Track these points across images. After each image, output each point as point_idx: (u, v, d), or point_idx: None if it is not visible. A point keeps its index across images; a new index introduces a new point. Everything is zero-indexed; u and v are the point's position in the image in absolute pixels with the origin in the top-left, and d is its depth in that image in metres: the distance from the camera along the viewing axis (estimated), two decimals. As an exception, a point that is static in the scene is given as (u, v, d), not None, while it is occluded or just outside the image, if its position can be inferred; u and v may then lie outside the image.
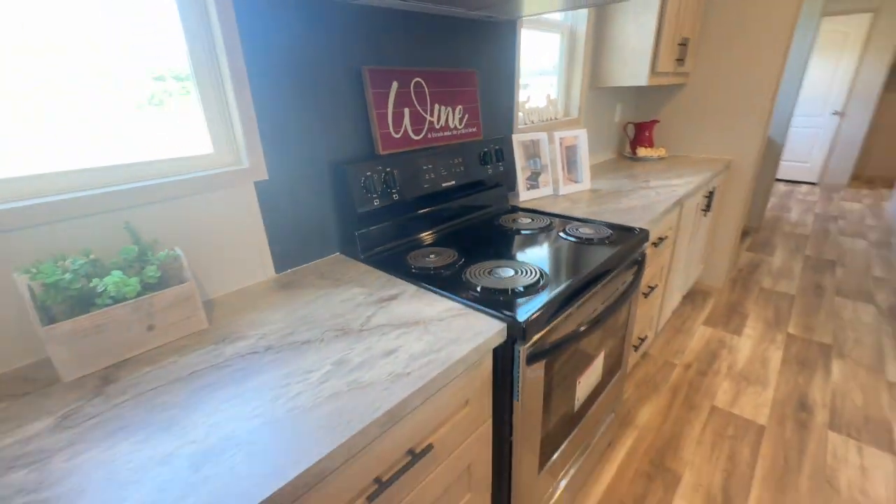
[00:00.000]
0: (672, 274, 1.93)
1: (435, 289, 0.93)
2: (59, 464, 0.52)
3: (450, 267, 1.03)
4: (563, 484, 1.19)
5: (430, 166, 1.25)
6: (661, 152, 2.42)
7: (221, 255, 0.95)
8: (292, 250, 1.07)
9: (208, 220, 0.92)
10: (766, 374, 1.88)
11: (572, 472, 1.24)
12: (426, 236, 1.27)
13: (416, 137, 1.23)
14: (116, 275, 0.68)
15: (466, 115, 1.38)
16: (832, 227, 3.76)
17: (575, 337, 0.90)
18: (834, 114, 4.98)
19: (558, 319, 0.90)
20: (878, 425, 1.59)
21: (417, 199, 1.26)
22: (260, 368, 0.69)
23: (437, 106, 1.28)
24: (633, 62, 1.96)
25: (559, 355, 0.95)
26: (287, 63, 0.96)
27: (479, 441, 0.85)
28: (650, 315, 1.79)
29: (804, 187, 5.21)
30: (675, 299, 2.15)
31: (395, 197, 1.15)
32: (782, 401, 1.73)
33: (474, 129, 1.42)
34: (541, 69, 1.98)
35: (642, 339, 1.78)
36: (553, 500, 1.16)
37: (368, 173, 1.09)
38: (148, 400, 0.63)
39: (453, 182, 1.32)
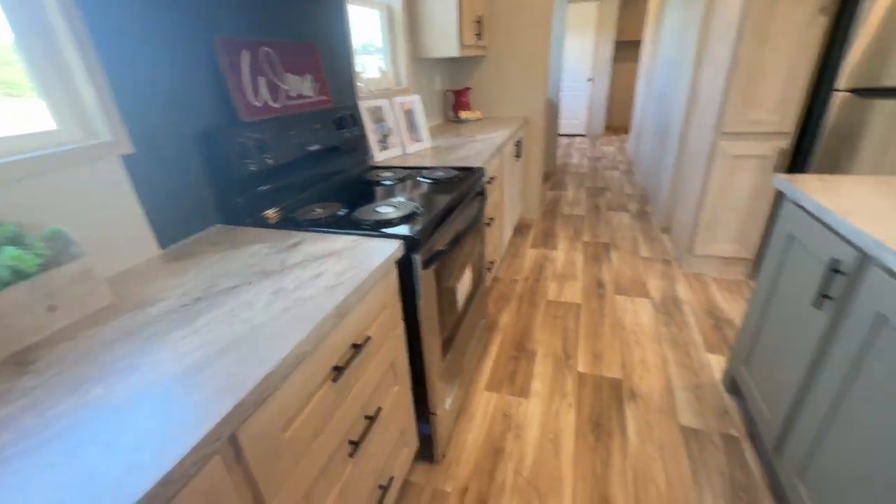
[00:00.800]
0: (504, 208, 2.42)
1: (333, 230, 1.08)
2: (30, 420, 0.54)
3: (337, 215, 1.18)
4: (457, 382, 1.50)
5: (294, 131, 1.34)
6: (478, 114, 2.89)
7: (98, 236, 0.90)
8: (174, 224, 1.06)
9: (75, 202, 0.86)
10: (575, 271, 2.56)
11: (462, 373, 1.56)
12: (305, 195, 1.37)
13: (275, 105, 1.30)
14: (10, 251, 0.64)
15: (317, 84, 1.48)
16: (598, 164, 5.02)
17: (451, 246, 1.18)
18: (588, 80, 6.48)
19: (437, 235, 1.16)
20: (639, 284, 2.38)
21: (292, 163, 1.34)
22: (199, 312, 0.75)
23: (288, 75, 1.35)
24: (443, 36, 2.30)
25: (442, 263, 1.22)
26: (142, 27, 0.93)
27: (397, 340, 1.07)
28: (494, 243, 2.24)
29: (578, 139, 6.70)
30: (508, 231, 2.68)
31: (270, 161, 1.22)
32: (588, 285, 2.40)
33: (325, 98, 1.54)
34: (370, 43, 2.16)
35: (492, 263, 2.22)
36: (451, 396, 1.46)
37: (240, 140, 1.13)
38: (94, 358, 0.65)
39: (318, 146, 1.44)
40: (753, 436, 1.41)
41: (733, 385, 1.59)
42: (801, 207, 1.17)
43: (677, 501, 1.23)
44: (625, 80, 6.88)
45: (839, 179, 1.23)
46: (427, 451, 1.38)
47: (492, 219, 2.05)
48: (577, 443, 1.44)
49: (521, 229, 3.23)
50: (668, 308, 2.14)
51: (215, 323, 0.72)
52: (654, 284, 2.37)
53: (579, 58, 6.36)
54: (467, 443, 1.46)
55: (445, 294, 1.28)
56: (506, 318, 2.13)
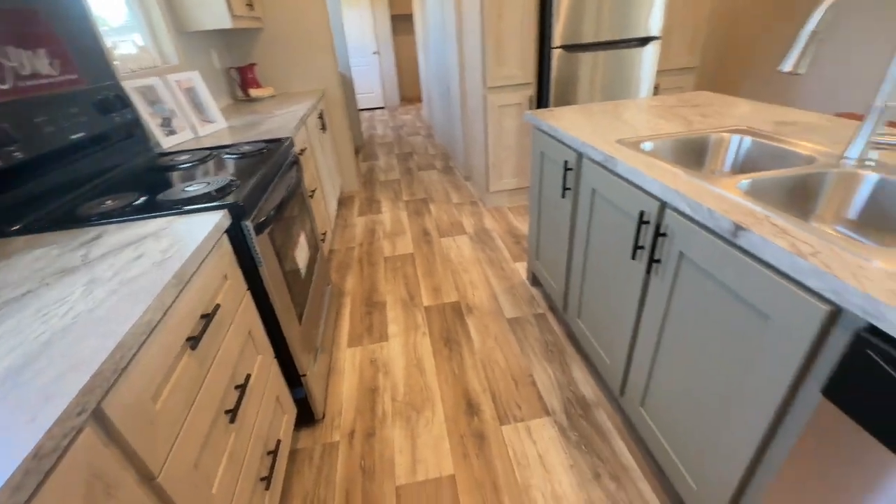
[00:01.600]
0: (323, 181, 2.45)
1: (139, 216, 0.98)
2: None
3: (135, 203, 1.07)
4: (319, 347, 1.56)
5: (43, 118, 1.11)
6: (270, 91, 2.77)
7: None
8: None
9: None
10: (403, 227, 2.80)
11: (321, 338, 1.62)
12: (87, 190, 1.17)
13: (4, 87, 1.05)
14: None
15: (57, 61, 1.23)
16: (401, 132, 5.37)
17: (279, 212, 1.20)
18: (374, 53, 6.69)
19: (262, 203, 1.17)
20: (457, 225, 2.77)
21: (53, 156, 1.11)
22: (-9, 325, 0.64)
23: (12, 48, 1.09)
24: (210, 5, 2.10)
25: (275, 229, 1.23)
26: None
27: (248, 309, 1.07)
28: (322, 215, 2.27)
29: (378, 111, 6.95)
30: (333, 204, 2.73)
31: (19, 155, 1.00)
32: (416, 236, 2.67)
33: (74, 77, 1.29)
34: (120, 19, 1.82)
35: (324, 234, 2.26)
36: (316, 361, 1.51)
37: (-35, 131, 0.90)
38: None
39: (83, 133, 1.22)
40: (552, 307, 1.91)
41: (534, 279, 2.08)
42: (543, 131, 1.59)
43: (514, 368, 1.60)
44: (407, 52, 7.35)
45: (562, 109, 1.71)
46: (307, 414, 1.42)
47: (313, 190, 2.08)
48: (435, 359, 1.69)
49: (344, 202, 3.30)
50: (482, 238, 2.58)
51: (24, 324, 0.63)
52: (468, 222, 2.80)
53: (362, 32, 6.49)
54: (343, 395, 1.56)
55: (286, 261, 1.30)
56: (351, 283, 2.23)
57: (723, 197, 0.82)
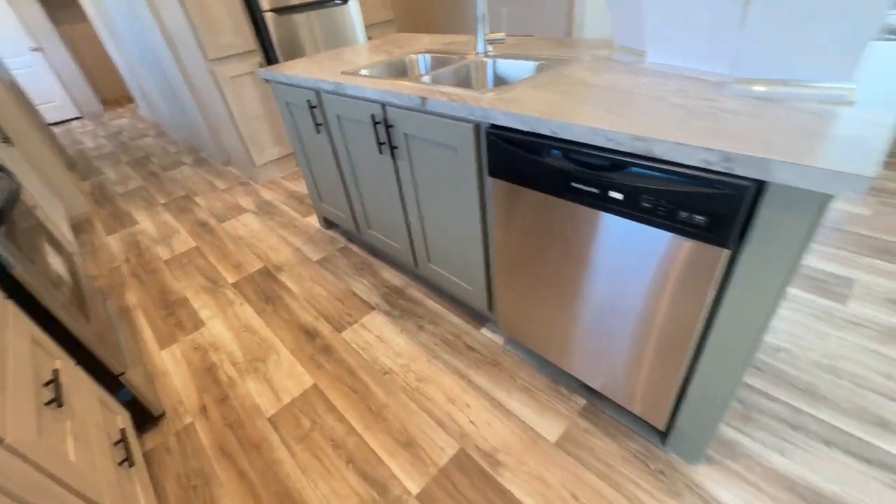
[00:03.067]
0: (41, 205, 2.00)
1: None
2: None
3: None
4: (126, 363, 1.43)
5: None
6: None
7: None
8: None
9: None
10: (173, 228, 2.55)
11: (126, 356, 1.48)
12: None
13: None
14: None
15: None
16: (122, 139, 4.51)
17: (6, 217, 1.05)
18: (34, 50, 5.18)
19: (-23, 206, 1.00)
20: (235, 207, 2.69)
21: None
22: None
23: None
24: None
25: (11, 231, 1.07)
26: None
27: (18, 317, 0.96)
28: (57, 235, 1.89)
29: (75, 123, 5.53)
30: (65, 228, 2.25)
31: None
32: (193, 230, 2.49)
33: None
34: None
35: (73, 253, 1.90)
36: (134, 373, 1.40)
37: None
38: None
39: None
40: (350, 238, 2.18)
41: (327, 222, 2.29)
42: (281, 83, 1.75)
43: (336, 292, 1.83)
44: (89, 45, 5.93)
45: (292, 62, 1.89)
46: (146, 415, 1.34)
47: (35, 207, 1.72)
48: (262, 318, 1.76)
49: (82, 226, 2.72)
50: (265, 210, 2.61)
51: None
52: (246, 201, 2.75)
53: (2, 23, 4.88)
54: (177, 387, 1.50)
55: (41, 265, 1.15)
56: (134, 297, 1.99)
57: (414, 86, 1.20)
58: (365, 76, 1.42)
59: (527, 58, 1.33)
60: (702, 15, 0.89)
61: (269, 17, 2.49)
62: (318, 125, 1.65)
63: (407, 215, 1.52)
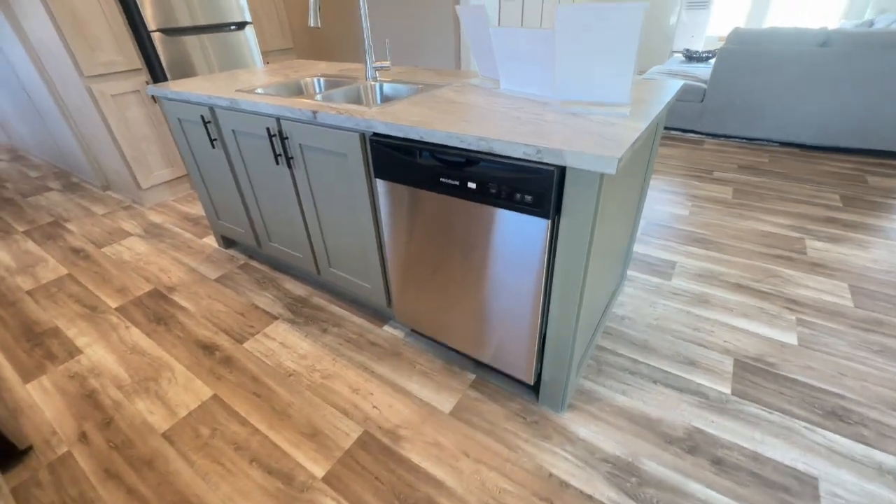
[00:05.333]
0: None
1: None
2: None
3: None
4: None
5: None
6: None
7: None
8: None
9: None
10: (38, 256, 2.29)
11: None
12: None
13: None
14: None
15: None
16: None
17: None
18: None
19: None
20: (117, 232, 2.49)
21: None
22: None
23: None
24: None
25: None
26: None
27: None
28: None
29: None
30: None
31: None
32: (64, 258, 2.25)
33: None
34: None
35: None
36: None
37: None
38: None
39: None
40: (251, 255, 2.17)
41: (226, 241, 2.25)
42: (171, 99, 1.75)
43: (237, 306, 1.81)
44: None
45: (183, 80, 1.89)
46: (12, 454, 1.20)
47: None
48: (153, 338, 1.68)
49: None
50: (155, 233, 2.46)
51: None
52: (130, 225, 2.56)
53: None
54: (50, 417, 1.37)
55: None
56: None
57: (307, 102, 1.33)
58: (260, 94, 1.51)
59: (408, 82, 1.55)
60: (531, 54, 1.18)
61: (157, 37, 2.44)
62: (212, 140, 1.68)
63: (306, 223, 1.60)
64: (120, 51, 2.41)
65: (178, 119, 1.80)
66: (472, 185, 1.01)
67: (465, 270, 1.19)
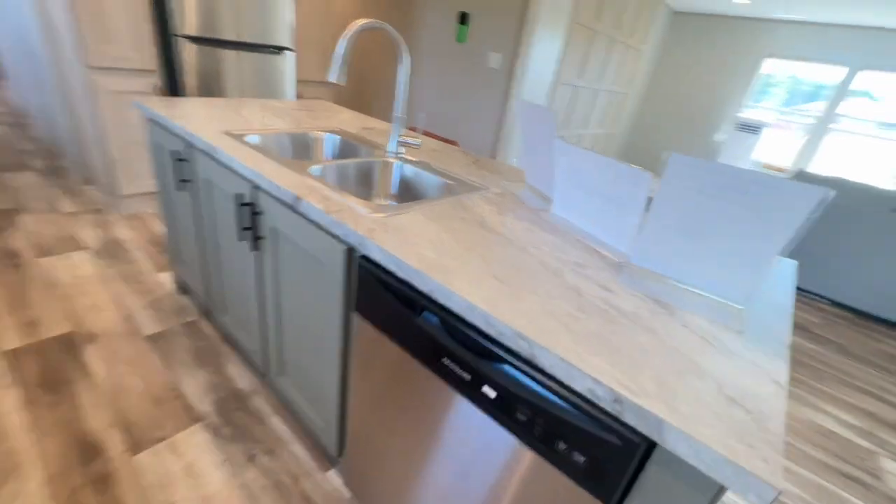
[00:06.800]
0: None
1: None
2: None
3: None
4: None
5: None
6: None
7: None
8: None
9: None
10: (-36, 251, 1.92)
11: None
12: None
13: None
14: None
15: None
16: (-36, 118, 3.63)
17: None
18: None
19: None
20: (68, 240, 2.14)
21: None
22: None
23: None
24: None
25: None
26: None
27: None
28: None
29: None
30: None
31: None
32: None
33: None
34: None
35: None
36: None
37: None
38: None
39: None
40: (205, 312, 1.78)
41: (184, 286, 1.88)
42: (154, 121, 1.45)
43: (155, 388, 1.40)
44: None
45: (183, 100, 1.60)
46: None
47: None
48: (30, 412, 1.26)
49: None
50: (111, 251, 2.10)
51: None
52: (88, 235, 2.21)
53: None
54: None
55: None
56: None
57: (293, 178, 0.99)
58: (251, 145, 1.19)
59: (436, 171, 1.22)
60: (610, 189, 0.84)
61: (188, 45, 2.21)
62: (181, 181, 1.35)
63: (265, 316, 1.22)
64: (137, 48, 2.17)
65: (159, 143, 1.48)
66: (489, 390, 0.64)
67: (442, 473, 0.79)
